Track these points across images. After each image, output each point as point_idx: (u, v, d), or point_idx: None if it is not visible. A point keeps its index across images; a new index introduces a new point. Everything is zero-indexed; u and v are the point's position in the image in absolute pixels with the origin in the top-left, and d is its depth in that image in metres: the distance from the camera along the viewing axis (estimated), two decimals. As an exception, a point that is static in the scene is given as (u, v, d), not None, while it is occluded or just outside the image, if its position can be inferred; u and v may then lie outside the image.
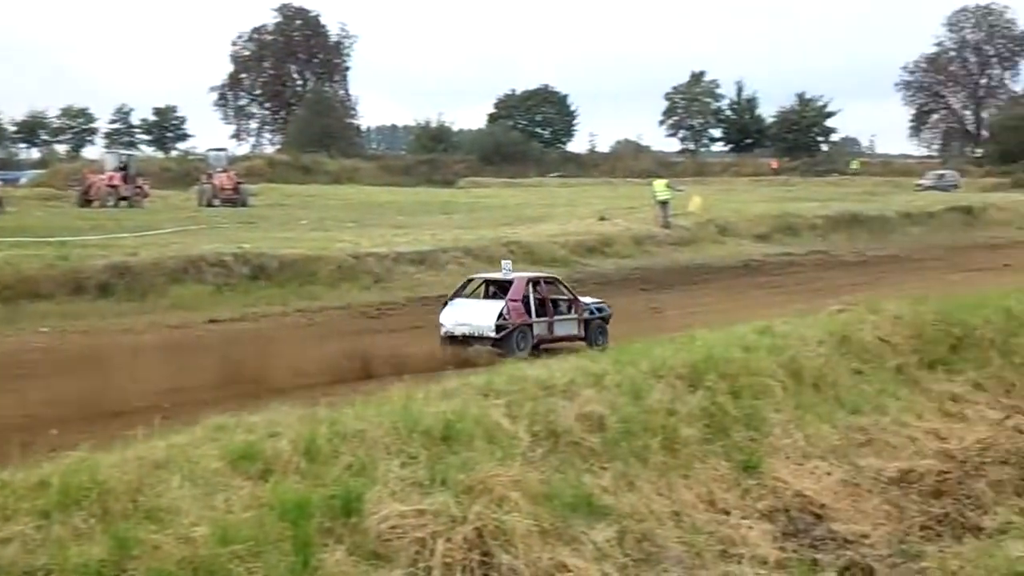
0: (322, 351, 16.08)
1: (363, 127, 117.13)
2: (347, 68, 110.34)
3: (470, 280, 18.70)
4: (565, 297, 18.19)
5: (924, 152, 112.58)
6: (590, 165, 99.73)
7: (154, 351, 16.72)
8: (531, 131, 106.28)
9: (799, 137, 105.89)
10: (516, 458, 8.01)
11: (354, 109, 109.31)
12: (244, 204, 47.73)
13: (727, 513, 8.66)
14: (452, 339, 16.95)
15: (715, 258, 33.25)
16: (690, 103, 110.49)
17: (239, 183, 50.57)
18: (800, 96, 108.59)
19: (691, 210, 39.10)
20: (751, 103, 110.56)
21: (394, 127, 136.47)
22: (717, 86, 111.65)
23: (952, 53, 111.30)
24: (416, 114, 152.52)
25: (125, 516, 6.38)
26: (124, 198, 47.78)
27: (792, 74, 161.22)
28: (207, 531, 6.29)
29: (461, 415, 8.38)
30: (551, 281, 18.55)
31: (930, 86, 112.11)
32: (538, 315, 17.34)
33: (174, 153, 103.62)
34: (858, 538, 8.70)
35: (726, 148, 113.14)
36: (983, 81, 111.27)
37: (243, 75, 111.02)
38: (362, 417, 8.17)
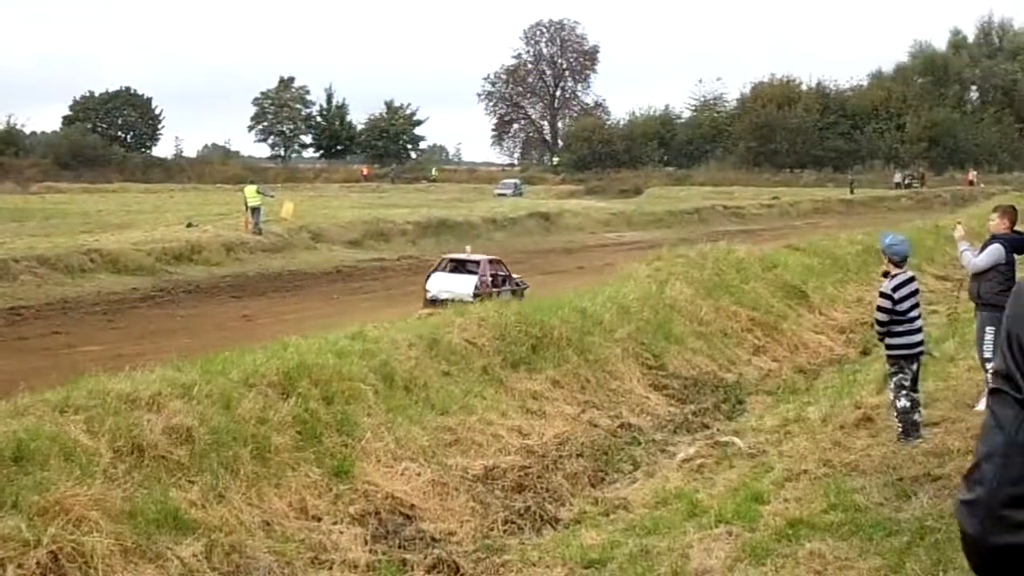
0: None
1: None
2: None
3: (443, 258, 24.68)
4: (504, 274, 23.91)
5: (506, 160, 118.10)
6: (176, 170, 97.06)
7: None
8: (112, 134, 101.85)
9: (388, 144, 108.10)
10: (96, 476, 7.59)
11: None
12: None
13: (318, 519, 8.62)
14: (434, 302, 21.44)
15: (308, 264, 33.21)
16: (279, 109, 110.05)
17: None
18: (388, 104, 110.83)
19: (283, 216, 38.91)
20: (341, 110, 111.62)
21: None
22: (307, 92, 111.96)
23: (530, 65, 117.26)
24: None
25: None
26: None
27: (382, 82, 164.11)
28: None
29: (35, 433, 7.84)
30: (499, 262, 24.56)
31: (510, 97, 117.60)
32: (492, 286, 22.81)
33: None
34: (445, 536, 8.91)
35: (317, 154, 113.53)
36: (558, 93, 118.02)
37: None
38: (-82, 440, 7.47)
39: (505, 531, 9.20)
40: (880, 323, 10.36)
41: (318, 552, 8.11)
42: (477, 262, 23.52)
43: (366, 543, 8.40)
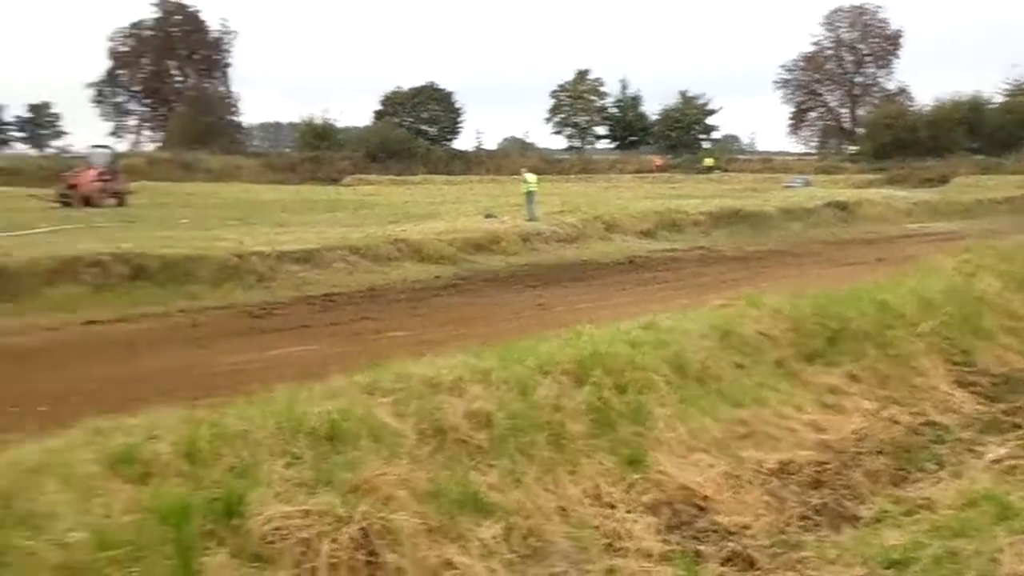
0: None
1: (245, 124, 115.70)
2: (228, 64, 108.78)
3: None
4: None
5: (802, 149, 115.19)
6: (476, 162, 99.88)
7: (29, 353, 16.28)
8: (417, 128, 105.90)
9: (682, 135, 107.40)
10: (403, 457, 7.96)
11: (235, 106, 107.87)
12: (96, 205, 46.08)
13: (612, 507, 8.71)
14: None
15: (601, 254, 33.49)
16: (575, 100, 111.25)
17: (105, 181, 49.30)
18: (683, 94, 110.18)
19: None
20: (635, 101, 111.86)
21: (278, 124, 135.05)
22: (602, 84, 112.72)
23: (829, 52, 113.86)
24: (301, 111, 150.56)
25: (-2, 523, 6.17)
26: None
27: (675, 72, 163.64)
28: (84, 536, 6.12)
29: (347, 414, 8.29)
30: None
31: (808, 84, 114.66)
32: None
33: (49, 151, 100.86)
34: (740, 529, 8.81)
35: (612, 145, 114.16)
36: (858, 79, 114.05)
37: (121, 71, 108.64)
38: (245, 417, 8.03)
39: (801, 527, 9.03)
40: None
41: (612, 539, 8.19)
42: None
43: (659, 533, 8.44)
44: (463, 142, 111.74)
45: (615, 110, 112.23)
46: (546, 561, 7.67)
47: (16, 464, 6.85)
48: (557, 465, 8.90)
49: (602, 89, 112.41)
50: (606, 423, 9.80)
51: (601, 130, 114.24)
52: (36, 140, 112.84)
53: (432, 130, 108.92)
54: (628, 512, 8.68)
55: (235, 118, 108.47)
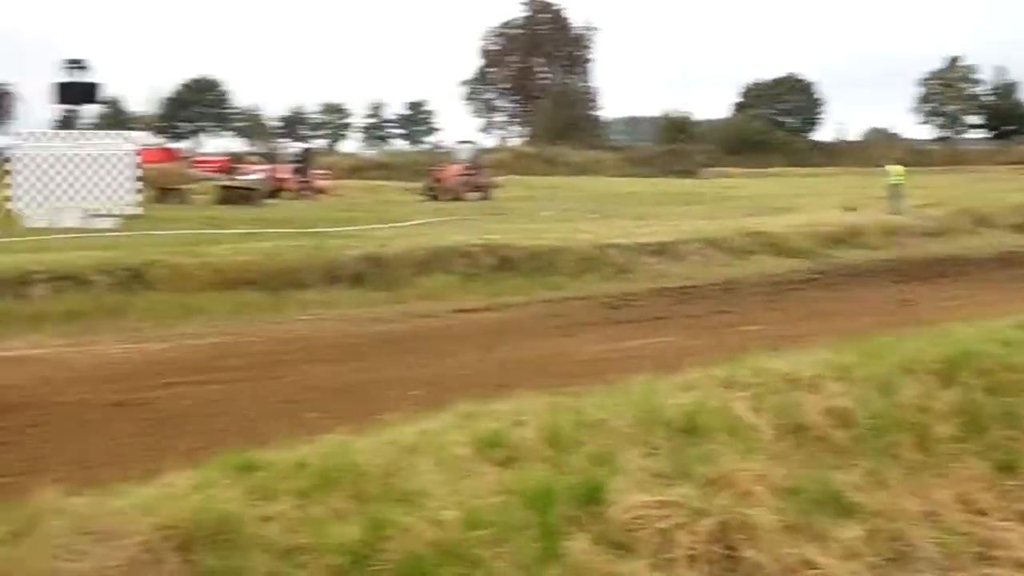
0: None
1: (606, 118, 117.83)
2: (590, 60, 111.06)
3: None
4: None
5: None
6: (838, 154, 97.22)
7: (404, 339, 17.28)
8: (776, 120, 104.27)
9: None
10: (760, 452, 7.89)
11: (596, 101, 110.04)
12: (460, 198, 47.75)
13: (984, 514, 8.29)
14: None
15: (970, 249, 31.81)
16: (946, 89, 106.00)
17: (469, 175, 51.22)
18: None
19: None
20: (1012, 88, 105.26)
21: (637, 118, 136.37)
22: (975, 71, 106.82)
23: None
24: (661, 105, 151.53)
25: (378, 498, 6.59)
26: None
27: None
28: (455, 515, 6.44)
29: (703, 407, 8.32)
30: None
31: None
32: None
33: (423, 146, 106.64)
34: None
35: (989, 135, 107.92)
36: None
37: (491, 69, 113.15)
38: (603, 407, 8.21)
39: None
40: None
41: (984, 548, 7.80)
42: None
43: (1037, 544, 7.96)
44: (824, 133, 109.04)
45: (990, 98, 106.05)
46: (912, 566, 7.40)
47: (394, 444, 7.32)
48: (923, 468, 8.56)
49: (975, 76, 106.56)
50: (976, 426, 9.32)
51: (974, 119, 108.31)
52: (412, 136, 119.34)
53: (792, 121, 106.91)
54: (1002, 520, 8.23)
55: (596, 113, 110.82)
